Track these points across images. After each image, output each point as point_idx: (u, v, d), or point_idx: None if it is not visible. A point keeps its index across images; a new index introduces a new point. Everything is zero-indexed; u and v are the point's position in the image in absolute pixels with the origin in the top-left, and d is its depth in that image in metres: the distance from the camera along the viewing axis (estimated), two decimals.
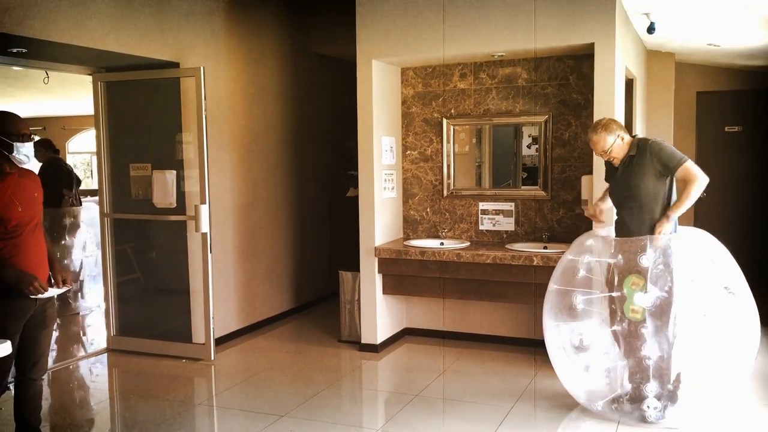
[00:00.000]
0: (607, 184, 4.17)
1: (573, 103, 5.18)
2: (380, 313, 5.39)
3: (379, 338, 5.38)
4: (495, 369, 4.91)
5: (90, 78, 5.41)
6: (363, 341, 5.40)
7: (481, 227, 5.51)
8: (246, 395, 4.53)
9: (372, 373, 5.06)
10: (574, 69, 5.15)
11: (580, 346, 3.93)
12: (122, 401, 4.57)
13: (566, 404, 4.20)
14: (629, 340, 3.78)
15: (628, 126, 5.70)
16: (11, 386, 3.49)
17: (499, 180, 5.57)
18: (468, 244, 5.29)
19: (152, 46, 4.96)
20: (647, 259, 3.68)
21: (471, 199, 5.55)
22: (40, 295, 3.21)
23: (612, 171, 4.02)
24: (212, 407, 4.40)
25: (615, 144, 3.84)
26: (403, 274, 5.27)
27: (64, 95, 10.38)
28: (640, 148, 3.82)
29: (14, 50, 4.42)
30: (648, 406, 3.74)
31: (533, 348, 5.25)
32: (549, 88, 5.25)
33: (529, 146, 5.42)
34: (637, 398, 3.83)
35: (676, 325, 3.69)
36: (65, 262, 7.16)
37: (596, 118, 4.66)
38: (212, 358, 5.18)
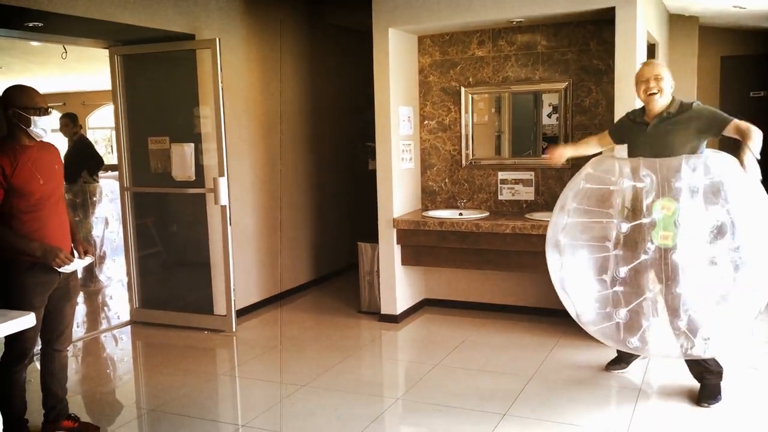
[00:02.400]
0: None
1: (594, 70, 5.09)
2: (399, 284, 5.40)
3: (399, 309, 5.40)
4: (514, 339, 4.91)
5: (107, 52, 5.40)
6: (382, 312, 5.42)
7: (500, 197, 5.47)
8: (267, 366, 4.58)
9: (392, 344, 5.08)
10: (595, 34, 5.05)
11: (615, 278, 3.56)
12: (146, 372, 4.64)
13: (586, 375, 4.19)
14: (658, 269, 3.45)
15: None
16: (36, 359, 3.56)
17: (518, 149, 5.51)
18: (487, 214, 5.26)
19: (168, 18, 4.94)
20: (681, 181, 3.34)
21: (490, 168, 5.50)
22: (65, 268, 3.24)
23: (635, 130, 3.74)
24: (234, 378, 4.45)
25: (667, 80, 3.63)
26: (422, 245, 5.26)
27: (83, 70, 10.41)
28: (683, 107, 3.64)
29: (31, 24, 4.42)
30: (702, 338, 3.43)
31: (553, 318, 5.23)
32: (569, 55, 5.15)
33: (549, 115, 5.35)
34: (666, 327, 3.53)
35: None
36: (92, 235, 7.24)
37: (617, 84, 4.58)
38: (234, 329, 5.23)
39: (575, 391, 3.96)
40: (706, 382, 3.74)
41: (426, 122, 5.66)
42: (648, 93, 3.66)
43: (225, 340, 5.16)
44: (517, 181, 5.39)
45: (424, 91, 5.62)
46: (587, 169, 3.72)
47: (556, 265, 3.72)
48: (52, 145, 3.45)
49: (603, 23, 4.94)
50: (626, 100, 4.54)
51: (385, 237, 5.34)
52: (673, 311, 3.45)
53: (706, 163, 3.39)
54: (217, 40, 4.94)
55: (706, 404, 3.68)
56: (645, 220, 3.40)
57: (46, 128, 3.26)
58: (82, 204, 7.04)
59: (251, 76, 5.76)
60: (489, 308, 5.55)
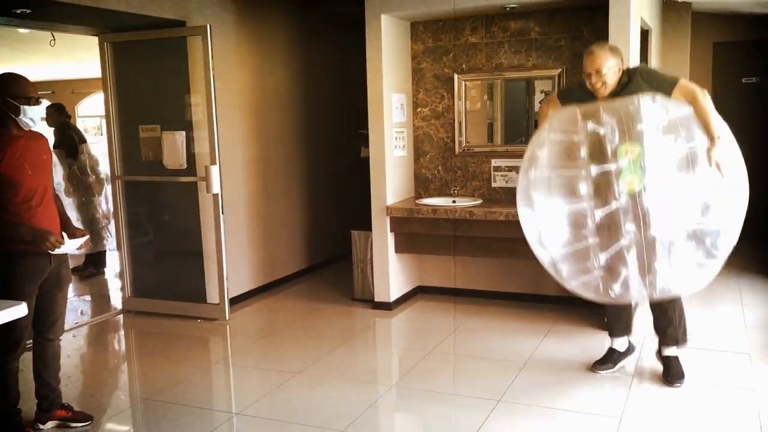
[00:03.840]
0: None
1: None
2: (393, 272, 5.39)
3: (392, 296, 5.40)
4: (508, 326, 4.92)
5: (96, 39, 5.35)
6: (376, 300, 5.42)
7: (493, 184, 5.47)
8: (261, 354, 4.58)
9: (385, 331, 5.08)
10: (588, 21, 5.03)
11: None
12: (139, 361, 4.63)
13: (579, 361, 4.21)
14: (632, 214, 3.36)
15: None
16: (29, 348, 3.54)
17: (511, 136, 5.50)
18: (480, 201, 5.25)
19: (158, 5, 4.89)
20: (642, 123, 3.29)
21: (483, 156, 5.49)
22: (58, 250, 3.20)
23: (587, 100, 3.59)
24: (228, 366, 4.45)
25: (612, 70, 3.49)
26: (415, 233, 5.26)
27: (72, 58, 10.31)
28: (630, 75, 3.53)
29: (18, 11, 4.36)
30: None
31: (546, 304, 5.25)
32: (562, 41, 5.13)
33: (541, 101, 5.33)
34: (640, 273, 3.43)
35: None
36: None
37: None
38: (227, 317, 5.22)
39: (569, 377, 3.98)
40: (670, 354, 3.82)
41: (419, 109, 5.63)
42: (593, 87, 3.56)
43: (218, 328, 5.15)
44: (510, 168, 5.38)
45: (417, 78, 5.60)
46: (551, 120, 3.66)
47: (529, 220, 3.61)
48: (42, 135, 3.41)
49: (596, 10, 4.92)
50: None
51: (378, 225, 5.33)
52: (648, 256, 3.37)
53: (665, 105, 3.37)
54: (208, 26, 4.90)
55: (676, 383, 3.75)
56: (611, 166, 3.33)
57: (35, 118, 3.24)
58: (82, 187, 6.92)
59: (243, 63, 5.72)
60: (482, 295, 5.56)
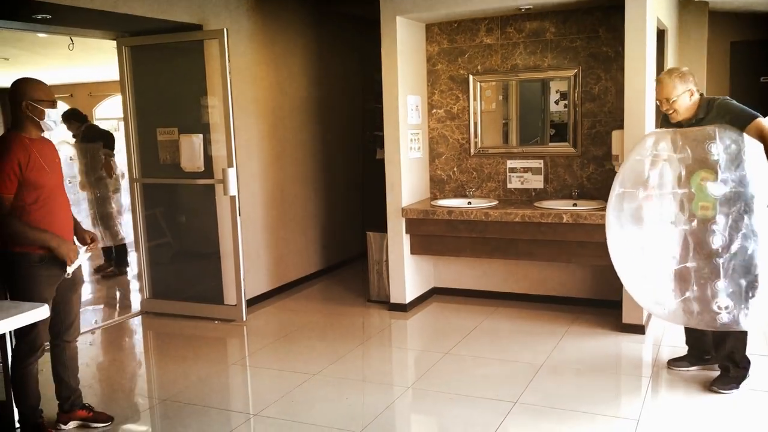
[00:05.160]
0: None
1: (603, 57, 5.06)
2: (408, 273, 5.40)
3: (408, 298, 5.41)
4: (524, 327, 4.92)
5: (114, 43, 5.40)
6: (392, 301, 5.43)
7: (509, 185, 5.46)
8: (278, 355, 4.60)
9: (401, 332, 5.09)
10: (604, 21, 5.01)
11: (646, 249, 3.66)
12: (157, 362, 4.67)
13: (597, 363, 4.20)
14: (699, 239, 3.46)
15: None
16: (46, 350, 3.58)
17: (526, 137, 5.49)
18: (496, 202, 5.25)
19: (175, 9, 4.93)
20: (717, 150, 3.37)
21: (498, 157, 5.48)
22: (70, 268, 3.28)
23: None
24: (245, 367, 4.47)
25: (682, 97, 3.55)
26: (431, 234, 5.26)
27: (90, 61, 10.41)
28: (708, 107, 3.55)
29: (39, 16, 4.42)
30: (719, 307, 3.42)
31: (562, 306, 5.24)
32: (578, 42, 5.12)
33: (557, 102, 5.33)
34: (705, 298, 3.50)
35: (751, 218, 3.37)
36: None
37: (627, 71, 4.56)
38: (244, 319, 5.25)
39: (586, 378, 3.97)
40: (728, 373, 3.74)
41: (434, 111, 5.64)
42: (666, 113, 3.67)
43: (235, 329, 5.18)
44: (526, 170, 5.37)
45: (432, 79, 5.60)
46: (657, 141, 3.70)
47: (631, 238, 3.66)
48: (50, 140, 3.47)
49: (612, 10, 4.90)
50: (636, 87, 4.52)
51: (393, 226, 5.34)
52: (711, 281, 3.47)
53: (736, 138, 3.41)
54: (225, 30, 4.93)
55: (719, 390, 3.68)
56: (682, 191, 3.47)
57: (57, 121, 3.31)
58: (103, 184, 6.97)
59: (259, 65, 5.75)
60: (498, 297, 5.55)
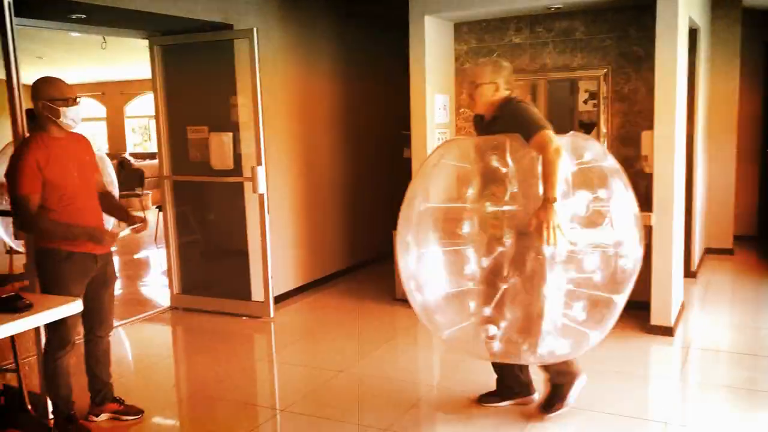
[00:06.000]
0: None
1: (633, 56, 5.01)
2: None
3: None
4: None
5: (145, 42, 5.48)
6: None
7: None
8: (305, 351, 4.64)
9: (427, 331, 5.08)
10: (634, 20, 4.96)
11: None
12: (186, 357, 4.74)
13: (621, 364, 4.16)
14: (490, 259, 3.03)
15: (692, 80, 5.49)
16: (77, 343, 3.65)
17: None
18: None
19: (206, 8, 4.99)
20: (506, 162, 2.97)
21: None
22: (123, 233, 3.29)
23: (478, 127, 3.38)
24: (272, 363, 4.52)
25: (486, 87, 3.18)
26: None
27: (121, 60, 10.58)
28: (503, 109, 3.18)
29: (74, 16, 4.51)
30: (487, 335, 3.07)
31: None
32: (608, 41, 5.08)
33: (585, 101, 5.29)
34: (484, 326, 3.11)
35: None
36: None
37: (658, 70, 4.51)
38: (271, 315, 5.30)
39: (612, 381, 3.94)
40: (555, 382, 3.45)
41: (462, 110, 5.63)
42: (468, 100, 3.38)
43: (263, 325, 5.23)
44: None
45: (461, 78, 5.60)
46: (436, 155, 3.28)
47: (407, 259, 3.13)
48: (83, 136, 3.47)
49: (643, 9, 4.86)
50: (667, 87, 4.47)
51: None
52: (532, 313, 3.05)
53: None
54: (255, 29, 4.98)
55: (546, 411, 3.43)
56: (505, 208, 2.96)
57: (76, 118, 3.26)
58: None
59: (288, 64, 5.79)
60: None
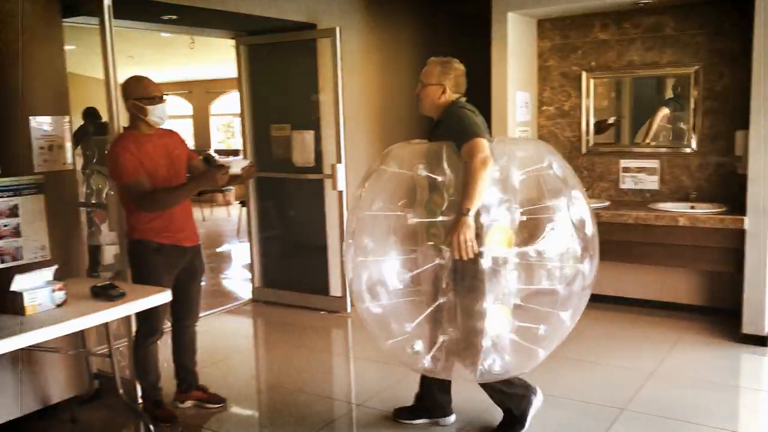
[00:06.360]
0: None
1: (727, 52, 4.79)
2: None
3: None
4: (632, 333, 4.75)
5: (230, 42, 5.63)
6: None
7: (622, 186, 5.28)
8: (380, 348, 4.66)
9: None
10: (729, 14, 4.75)
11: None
12: (266, 348, 4.85)
13: (709, 374, 4.00)
14: (430, 272, 2.89)
15: None
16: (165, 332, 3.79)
17: (641, 136, 5.29)
18: (608, 203, 5.09)
19: (290, 8, 5.08)
20: (439, 171, 2.83)
21: (611, 156, 5.32)
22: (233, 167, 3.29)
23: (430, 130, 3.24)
24: (348, 358, 4.57)
25: (432, 88, 3.10)
26: None
27: (207, 59, 10.91)
28: (445, 112, 3.07)
29: (166, 17, 4.68)
30: (413, 350, 2.93)
31: (676, 312, 5.02)
32: (699, 37, 4.88)
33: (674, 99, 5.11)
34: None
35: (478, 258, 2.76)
36: None
37: (755, 67, 4.29)
38: (348, 310, 5.36)
39: (701, 390, 3.79)
40: (504, 407, 3.28)
41: (544, 108, 5.54)
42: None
43: (340, 320, 5.29)
44: (640, 170, 5.18)
45: (543, 76, 5.50)
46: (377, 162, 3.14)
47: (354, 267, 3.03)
48: (174, 132, 3.59)
49: (739, 2, 4.63)
50: (764, 85, 4.25)
51: None
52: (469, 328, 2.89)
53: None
54: (337, 29, 5.04)
55: None
56: (442, 218, 2.80)
57: (163, 116, 3.38)
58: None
59: (369, 63, 5.83)
60: (605, 300, 5.37)
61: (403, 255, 2.91)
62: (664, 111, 5.19)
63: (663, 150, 5.12)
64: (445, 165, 2.81)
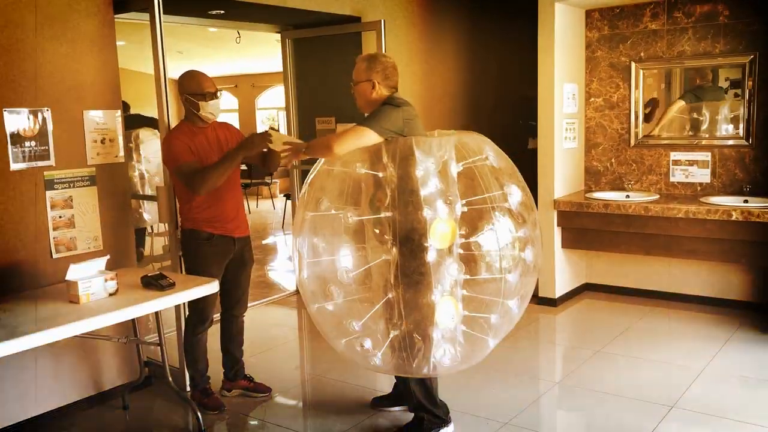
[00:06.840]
0: None
1: None
2: (559, 267, 5.27)
3: (558, 292, 5.28)
4: (682, 329, 4.65)
5: (276, 36, 5.68)
6: (540, 295, 5.33)
7: (672, 179, 5.17)
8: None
9: (549, 327, 4.99)
10: None
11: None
12: (310, 339, 4.90)
13: (761, 372, 3.89)
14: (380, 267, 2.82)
15: None
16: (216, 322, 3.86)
17: (693, 127, 5.17)
18: (657, 197, 4.99)
19: (335, 1, 5.10)
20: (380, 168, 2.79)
21: (661, 148, 5.20)
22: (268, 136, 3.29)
23: None
24: None
25: (362, 85, 3.06)
26: (585, 228, 5.10)
27: (253, 54, 11.02)
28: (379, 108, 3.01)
29: (213, 12, 4.75)
30: (362, 347, 2.89)
31: (728, 309, 4.90)
32: (755, 25, 4.73)
33: (726, 90, 4.96)
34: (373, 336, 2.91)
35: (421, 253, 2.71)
36: None
37: None
38: None
39: (754, 389, 3.69)
40: (418, 414, 3.20)
41: (592, 99, 5.44)
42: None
43: None
44: (691, 162, 5.06)
45: (591, 67, 5.41)
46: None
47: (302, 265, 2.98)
48: (229, 125, 3.65)
49: None
50: None
51: (544, 218, 5.23)
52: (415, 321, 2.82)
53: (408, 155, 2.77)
54: (382, 21, 5.04)
55: None
56: (383, 215, 2.74)
57: (215, 112, 3.43)
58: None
59: (413, 55, 5.82)
60: (655, 296, 5.28)
61: (352, 253, 2.84)
62: (680, 104, 5.10)
63: (715, 142, 4.99)
64: (386, 161, 2.77)
